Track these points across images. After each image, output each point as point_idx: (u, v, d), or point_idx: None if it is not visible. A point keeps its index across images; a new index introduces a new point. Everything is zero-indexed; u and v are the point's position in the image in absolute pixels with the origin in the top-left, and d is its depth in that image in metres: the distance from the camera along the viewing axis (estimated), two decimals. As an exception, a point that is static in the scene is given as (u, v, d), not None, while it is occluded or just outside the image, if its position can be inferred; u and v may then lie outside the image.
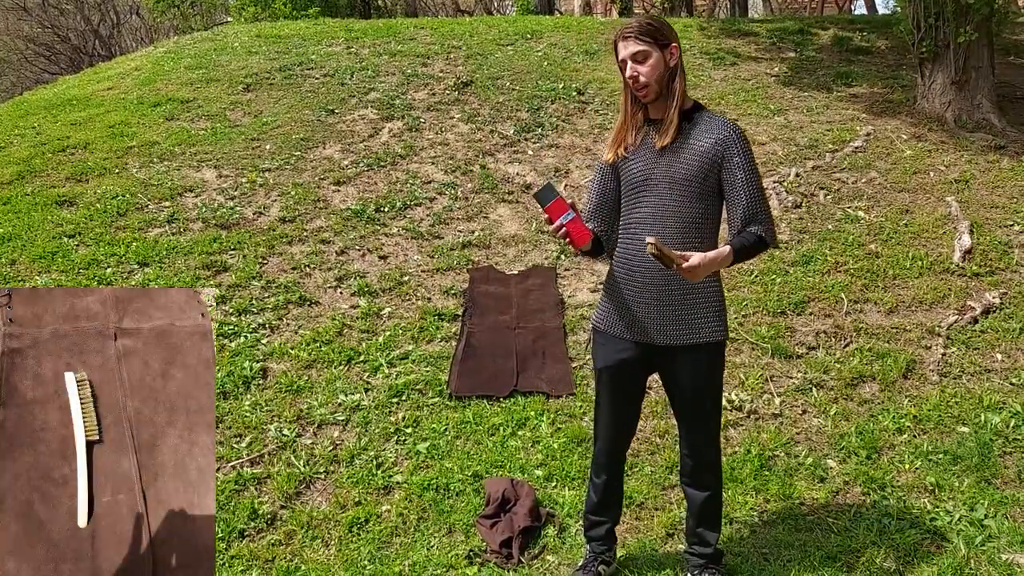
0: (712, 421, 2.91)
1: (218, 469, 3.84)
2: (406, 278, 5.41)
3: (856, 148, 6.91)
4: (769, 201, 6.04)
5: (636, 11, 19.99)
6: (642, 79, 2.63)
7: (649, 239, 2.42)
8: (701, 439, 2.90)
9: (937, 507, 3.45)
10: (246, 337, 4.77)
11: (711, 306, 2.78)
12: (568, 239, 2.64)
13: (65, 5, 25.55)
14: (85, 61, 22.83)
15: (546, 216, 2.62)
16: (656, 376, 2.96)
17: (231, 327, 4.85)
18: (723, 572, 3.02)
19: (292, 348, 4.69)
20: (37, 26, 25.24)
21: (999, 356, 4.49)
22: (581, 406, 4.20)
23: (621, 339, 2.83)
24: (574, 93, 8.26)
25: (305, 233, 5.90)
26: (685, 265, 2.47)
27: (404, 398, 4.32)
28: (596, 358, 2.93)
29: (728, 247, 2.60)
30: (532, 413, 4.18)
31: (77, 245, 5.69)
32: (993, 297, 4.91)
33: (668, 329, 2.76)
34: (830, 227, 5.78)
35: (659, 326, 2.76)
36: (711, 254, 2.53)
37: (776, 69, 9.07)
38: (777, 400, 4.24)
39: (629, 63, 2.64)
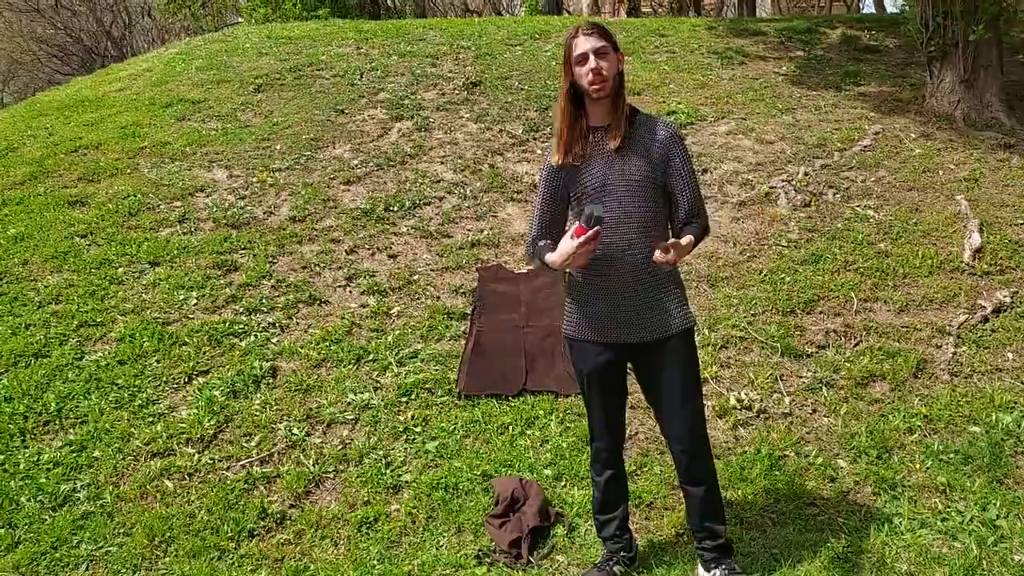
0: (698, 410, 2.95)
1: (227, 468, 3.86)
2: (415, 277, 5.42)
3: (865, 147, 6.88)
4: (777, 201, 6.09)
5: (644, 11, 19.97)
6: (604, 72, 2.70)
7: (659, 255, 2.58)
8: (693, 431, 2.92)
9: (948, 507, 3.44)
10: (256, 336, 4.79)
11: (676, 297, 2.87)
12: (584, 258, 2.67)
13: (77, 6, 25.70)
14: (97, 62, 22.95)
15: (583, 236, 2.60)
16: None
17: (241, 326, 4.87)
18: (735, 566, 3.03)
19: (302, 347, 4.71)
20: (50, 27, 25.40)
21: (1010, 355, 4.47)
22: (590, 405, 4.20)
23: (596, 344, 2.88)
24: (583, 93, 8.25)
25: (315, 232, 5.92)
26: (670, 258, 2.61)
27: (413, 397, 4.33)
28: (579, 365, 2.98)
29: (691, 236, 2.77)
30: (541, 412, 4.18)
31: (89, 245, 5.72)
32: (1004, 296, 4.88)
33: (642, 326, 2.82)
34: (839, 226, 5.76)
35: (633, 325, 2.82)
36: (683, 242, 2.68)
37: (784, 68, 9.04)
38: (787, 399, 4.23)
39: (592, 56, 2.69)
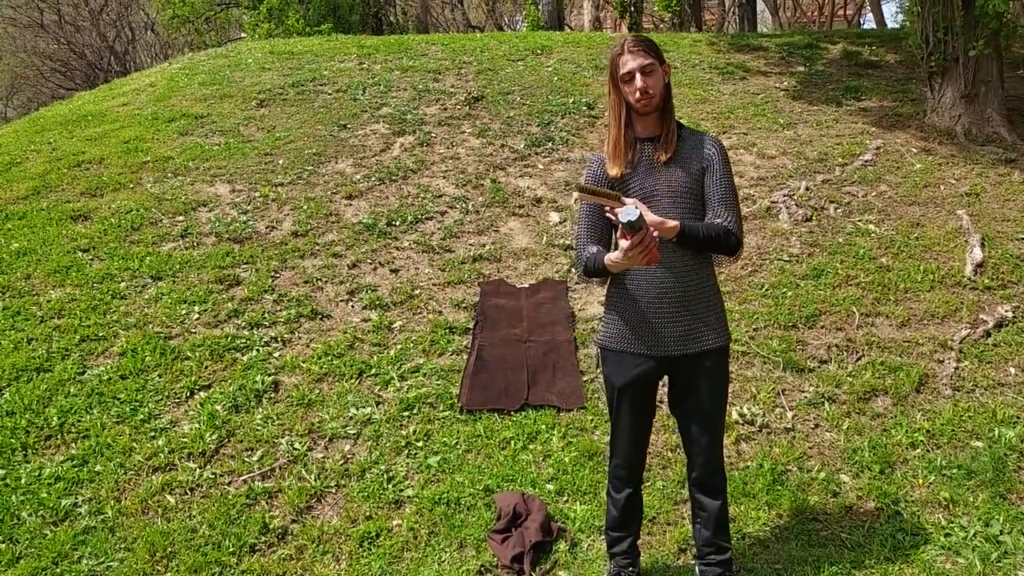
0: (722, 424, 2.98)
1: (229, 483, 3.86)
2: (417, 291, 5.42)
3: (866, 162, 6.90)
4: (778, 215, 6.11)
5: (645, 27, 20.07)
6: (650, 91, 2.71)
7: (576, 193, 2.44)
8: (718, 445, 2.95)
9: (952, 522, 3.43)
10: (258, 351, 4.79)
11: (717, 311, 2.87)
12: (650, 254, 2.60)
13: (81, 22, 25.84)
14: (100, 77, 23.07)
15: (630, 242, 2.54)
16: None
17: (243, 340, 4.87)
18: None
19: (304, 361, 4.71)
20: (53, 42, 25.54)
21: (1012, 370, 4.46)
22: (592, 420, 4.20)
23: (635, 355, 2.85)
24: (584, 107, 8.29)
25: (317, 247, 5.93)
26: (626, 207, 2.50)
27: (415, 412, 4.32)
28: (612, 377, 2.93)
29: (676, 223, 2.64)
30: (543, 427, 4.17)
31: (91, 259, 5.73)
32: (1006, 310, 4.88)
33: (685, 338, 2.81)
34: (840, 240, 5.77)
35: (676, 336, 2.80)
36: (669, 223, 2.60)
37: (785, 83, 9.08)
38: (789, 414, 4.22)
39: (639, 75, 2.69)
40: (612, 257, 2.67)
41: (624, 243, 2.55)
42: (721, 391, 2.91)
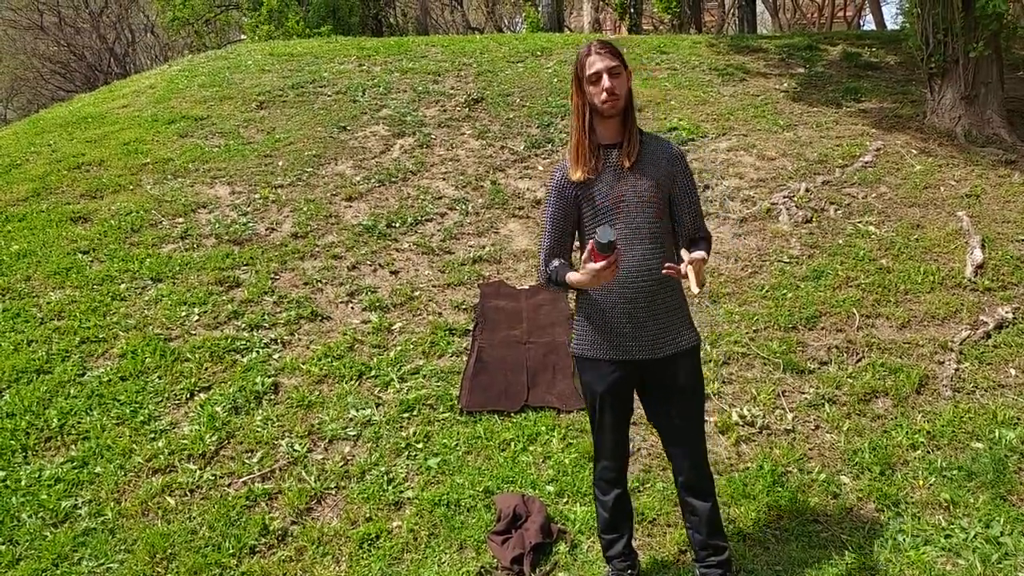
0: (702, 425, 2.98)
1: (229, 484, 3.85)
2: (417, 293, 5.42)
3: (866, 163, 6.90)
4: (778, 217, 6.11)
5: (645, 28, 20.08)
6: (617, 91, 2.72)
7: (696, 290, 2.57)
8: (701, 447, 2.96)
9: (952, 524, 3.42)
10: (258, 352, 4.79)
11: (683, 313, 2.90)
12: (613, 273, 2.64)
13: (81, 24, 25.87)
14: (100, 79, 23.07)
15: (601, 263, 2.58)
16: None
17: (243, 342, 4.87)
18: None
19: (304, 363, 4.71)
20: (53, 44, 25.56)
21: (1013, 371, 4.46)
22: (592, 421, 4.19)
23: (609, 362, 2.86)
24: (584, 109, 8.28)
25: (317, 248, 5.93)
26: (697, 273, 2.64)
27: (415, 413, 4.32)
28: (591, 384, 2.94)
29: (703, 253, 2.77)
30: (543, 428, 4.17)
31: (91, 261, 5.73)
32: (1006, 312, 4.88)
33: (659, 341, 2.82)
34: (841, 242, 5.77)
35: (650, 340, 2.82)
36: (698, 256, 2.70)
37: (785, 85, 9.08)
38: (789, 416, 4.22)
39: (606, 76, 2.70)
40: (574, 278, 2.72)
41: (593, 265, 2.57)
42: (697, 392, 2.94)
